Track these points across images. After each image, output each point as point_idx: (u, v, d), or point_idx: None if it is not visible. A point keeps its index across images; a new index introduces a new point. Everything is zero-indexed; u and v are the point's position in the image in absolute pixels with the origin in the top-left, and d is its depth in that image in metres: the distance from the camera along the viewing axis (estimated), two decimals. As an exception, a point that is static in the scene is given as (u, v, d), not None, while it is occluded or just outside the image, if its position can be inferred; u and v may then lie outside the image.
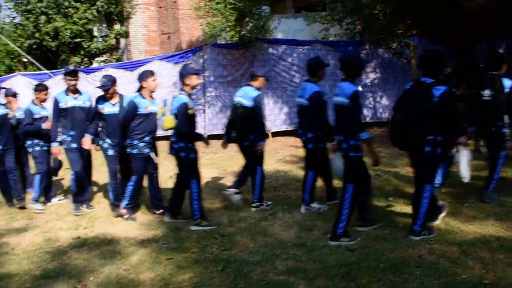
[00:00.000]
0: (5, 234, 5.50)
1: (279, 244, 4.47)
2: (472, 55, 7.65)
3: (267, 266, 3.98)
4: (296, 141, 10.23)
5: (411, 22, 10.84)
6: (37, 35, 13.41)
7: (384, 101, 12.05)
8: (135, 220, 5.59)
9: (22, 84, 12.77)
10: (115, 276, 4.03)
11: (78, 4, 13.60)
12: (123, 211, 5.62)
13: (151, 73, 5.59)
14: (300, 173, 7.43)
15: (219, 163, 8.58)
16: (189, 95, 5.22)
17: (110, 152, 5.83)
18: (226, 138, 5.81)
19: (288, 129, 11.27)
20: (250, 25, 10.56)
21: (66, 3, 13.37)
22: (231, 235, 4.83)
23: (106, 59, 15.12)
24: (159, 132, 6.00)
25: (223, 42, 11.51)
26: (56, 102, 5.99)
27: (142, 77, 5.53)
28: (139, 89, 5.56)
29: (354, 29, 12.02)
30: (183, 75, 5.22)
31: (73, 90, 6.07)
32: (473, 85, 5.68)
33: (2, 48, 16.76)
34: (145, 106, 5.45)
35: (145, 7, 16.61)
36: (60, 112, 5.99)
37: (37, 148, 6.49)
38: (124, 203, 5.63)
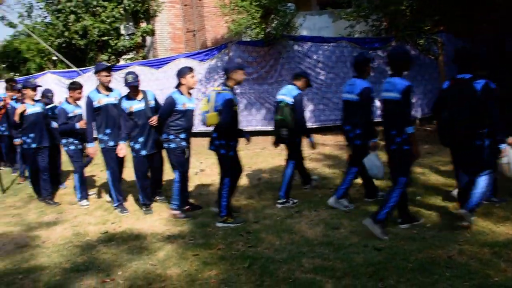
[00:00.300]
0: (37, 227, 5.63)
1: (306, 242, 4.45)
2: (506, 52, 7.48)
3: (294, 264, 3.96)
4: (321, 139, 10.19)
5: (438, 18, 10.64)
6: (66, 34, 13.69)
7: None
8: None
9: (51, 81, 13.09)
10: (142, 271, 4.08)
11: (105, 3, 13.82)
12: (176, 212, 5.53)
13: (189, 70, 5.52)
14: (325, 171, 7.40)
15: (244, 160, 8.45)
16: (232, 90, 5.19)
17: (143, 152, 5.72)
18: (277, 137, 5.88)
19: (313, 126, 11.18)
20: (275, 22, 10.53)
21: (94, 2, 13.60)
22: (257, 232, 4.82)
23: (132, 57, 15.32)
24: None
25: (248, 40, 11.51)
26: (89, 101, 5.91)
27: (181, 73, 5.47)
28: (178, 86, 5.52)
29: (380, 25, 11.87)
30: (229, 70, 5.20)
31: (106, 87, 6.03)
32: (506, 82, 5.56)
33: (33, 47, 17.18)
34: (183, 102, 5.41)
35: (170, 5, 16.76)
36: (94, 111, 5.94)
37: (72, 147, 6.49)
38: (173, 203, 5.54)
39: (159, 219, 5.57)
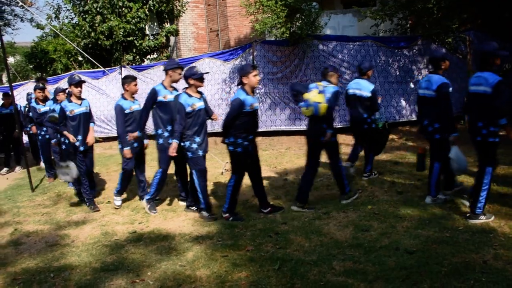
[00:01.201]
0: (66, 226, 5.70)
1: (335, 244, 4.39)
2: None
3: (324, 267, 3.90)
4: (346, 139, 10.07)
5: (466, 16, 10.42)
6: (92, 34, 13.85)
7: (438, 98, 11.63)
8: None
9: (78, 81, 13.28)
10: (171, 272, 4.07)
11: (131, 4, 13.94)
12: (226, 215, 5.43)
13: (252, 68, 5.23)
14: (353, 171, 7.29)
15: (269, 160, 8.54)
16: None
17: (200, 152, 5.49)
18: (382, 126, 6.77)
19: (338, 126, 11.06)
20: (300, 21, 10.45)
21: (120, 3, 13.73)
22: (285, 233, 4.77)
23: (156, 57, 15.43)
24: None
25: (272, 39, 11.45)
26: (155, 94, 5.71)
27: (243, 72, 5.20)
28: (240, 84, 5.29)
29: (405, 24, 11.69)
30: (334, 70, 5.96)
31: (172, 86, 5.86)
32: None
33: (60, 47, 17.48)
34: (250, 103, 5.17)
35: (194, 5, 16.87)
36: (154, 104, 5.75)
37: (126, 147, 6.13)
38: (224, 207, 5.46)
39: (186, 219, 5.57)
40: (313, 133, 5.64)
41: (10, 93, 8.56)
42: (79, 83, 6.25)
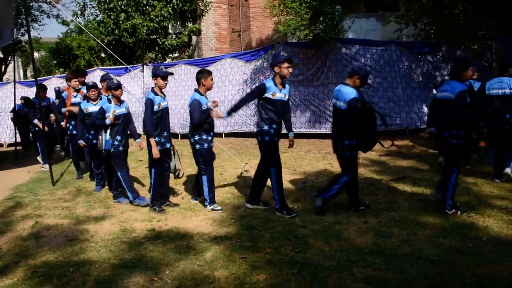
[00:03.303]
0: (85, 221, 5.74)
1: (356, 250, 4.32)
2: None
3: (344, 273, 3.84)
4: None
5: (494, 22, 10.21)
6: (116, 32, 14.04)
7: (461, 106, 11.45)
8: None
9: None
10: (190, 271, 4.05)
11: (155, 2, 14.07)
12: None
13: (467, 63, 5.25)
14: (374, 176, 7.21)
15: (289, 163, 8.48)
16: None
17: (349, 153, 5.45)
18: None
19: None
20: (323, 24, 10.39)
21: (144, 1, 13.88)
22: (304, 237, 4.72)
23: (178, 56, 15.52)
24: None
25: (294, 41, 11.41)
26: (263, 89, 5.47)
27: (463, 65, 5.23)
28: (453, 75, 5.34)
29: (429, 29, 11.54)
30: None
31: (281, 82, 5.55)
32: None
33: (84, 44, 17.73)
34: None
35: (217, 5, 16.93)
36: (264, 101, 5.52)
37: (206, 145, 5.80)
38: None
39: (205, 219, 5.56)
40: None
41: (43, 86, 8.64)
42: (166, 76, 5.90)
